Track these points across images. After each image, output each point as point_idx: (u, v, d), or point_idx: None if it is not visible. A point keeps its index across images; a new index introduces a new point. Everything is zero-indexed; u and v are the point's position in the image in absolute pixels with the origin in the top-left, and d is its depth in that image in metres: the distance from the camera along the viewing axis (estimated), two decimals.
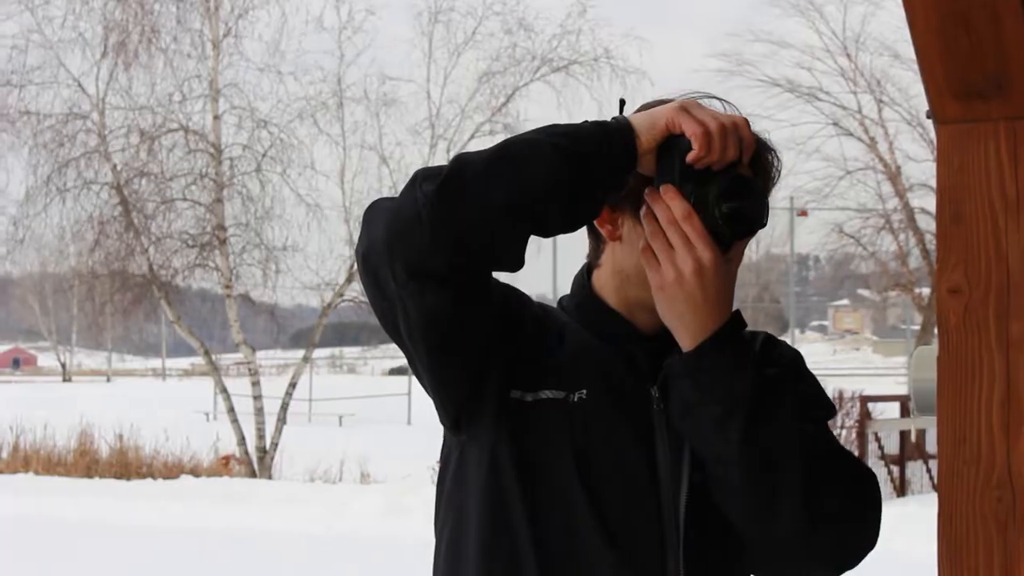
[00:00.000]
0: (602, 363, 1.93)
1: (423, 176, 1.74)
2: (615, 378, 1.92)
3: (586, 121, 1.78)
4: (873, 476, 1.87)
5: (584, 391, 1.90)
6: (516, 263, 1.79)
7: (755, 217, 1.78)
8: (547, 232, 1.78)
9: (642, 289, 1.90)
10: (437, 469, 2.08)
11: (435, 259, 1.73)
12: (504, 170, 1.71)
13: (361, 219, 1.86)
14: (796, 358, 1.98)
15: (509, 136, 1.79)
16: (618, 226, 1.95)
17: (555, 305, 2.08)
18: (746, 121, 1.80)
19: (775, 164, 1.94)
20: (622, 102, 1.86)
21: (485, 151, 1.75)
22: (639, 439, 1.90)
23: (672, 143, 1.77)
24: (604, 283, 1.99)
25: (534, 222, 1.75)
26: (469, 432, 1.94)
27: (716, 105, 1.87)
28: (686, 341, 1.80)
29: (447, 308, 1.79)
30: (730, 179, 1.76)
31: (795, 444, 1.78)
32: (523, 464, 1.89)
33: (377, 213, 1.81)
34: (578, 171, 1.71)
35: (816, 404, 1.93)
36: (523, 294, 2.01)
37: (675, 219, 1.77)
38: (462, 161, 1.74)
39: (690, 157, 1.74)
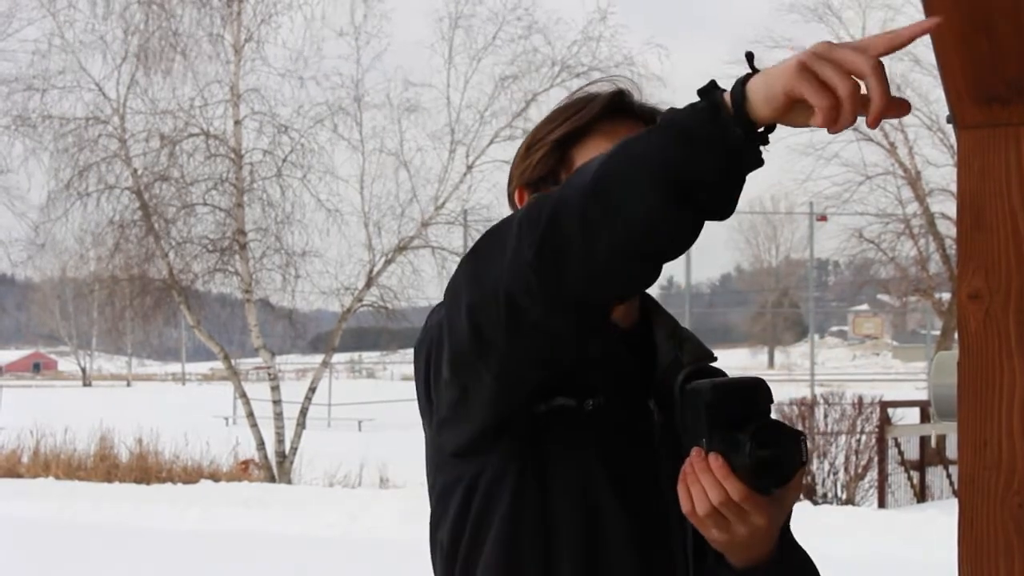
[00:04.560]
0: (602, 369, 1.90)
1: (526, 225, 1.61)
2: (618, 387, 1.90)
3: (694, 109, 1.52)
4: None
5: (594, 399, 1.88)
6: (648, 284, 1.66)
7: (789, 465, 1.74)
8: (679, 251, 1.59)
9: None
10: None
11: (558, 321, 1.64)
12: (600, 215, 1.54)
13: (464, 262, 1.73)
14: None
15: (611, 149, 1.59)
16: None
17: None
18: (879, 65, 1.43)
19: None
20: (750, 57, 1.55)
21: (578, 184, 1.57)
22: (643, 450, 1.90)
23: (691, 395, 1.76)
24: None
25: (655, 256, 1.59)
26: (485, 450, 1.88)
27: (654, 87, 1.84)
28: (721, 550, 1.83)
29: (562, 356, 1.74)
30: (760, 427, 1.71)
31: None
32: (544, 475, 1.86)
33: (489, 264, 1.67)
34: (687, 193, 1.50)
35: None
36: None
37: (729, 501, 1.71)
38: (556, 207, 1.58)
39: (815, 123, 1.45)
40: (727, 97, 1.50)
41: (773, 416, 1.76)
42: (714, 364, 2.02)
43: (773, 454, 1.70)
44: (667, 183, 1.49)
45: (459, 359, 1.78)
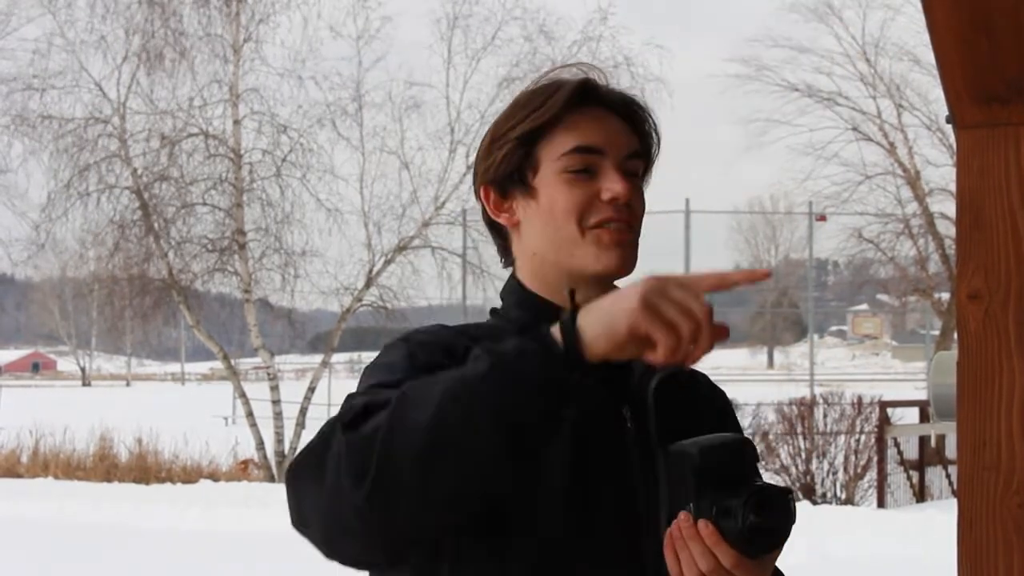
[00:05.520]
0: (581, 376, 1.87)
1: (346, 467, 1.57)
2: (595, 395, 1.82)
3: (525, 352, 1.55)
4: None
5: (567, 411, 1.75)
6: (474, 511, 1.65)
7: (781, 529, 1.71)
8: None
9: (558, 255, 1.88)
10: None
11: (380, 555, 1.67)
12: (439, 463, 1.54)
13: (285, 482, 1.73)
14: None
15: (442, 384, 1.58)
16: (514, 211, 1.92)
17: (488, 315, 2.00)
18: (710, 310, 1.54)
19: (653, 127, 1.95)
20: (572, 294, 1.62)
21: (413, 419, 1.55)
22: (614, 463, 1.85)
23: (676, 458, 1.72)
24: (527, 276, 1.94)
25: (489, 493, 1.61)
26: None
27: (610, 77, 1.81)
28: None
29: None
30: (751, 493, 1.68)
31: None
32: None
33: (306, 493, 1.68)
34: (522, 434, 1.55)
35: None
36: (440, 337, 1.87)
37: (719, 568, 1.68)
38: (387, 443, 1.56)
39: (655, 360, 1.55)
40: (557, 334, 1.55)
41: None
42: (696, 367, 1.99)
43: (765, 520, 1.67)
44: (504, 428, 1.53)
45: None
